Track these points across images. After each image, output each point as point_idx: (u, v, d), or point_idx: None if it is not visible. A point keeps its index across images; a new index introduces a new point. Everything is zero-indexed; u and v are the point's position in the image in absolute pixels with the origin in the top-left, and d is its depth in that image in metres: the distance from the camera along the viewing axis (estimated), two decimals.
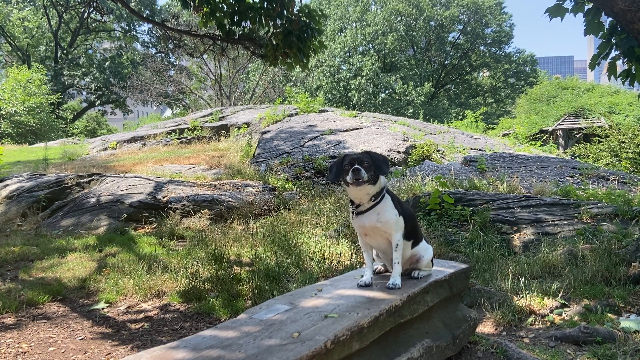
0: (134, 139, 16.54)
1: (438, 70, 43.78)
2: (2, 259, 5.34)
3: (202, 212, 7.26)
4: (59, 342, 3.43)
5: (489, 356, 2.86)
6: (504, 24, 41.97)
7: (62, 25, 38.44)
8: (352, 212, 2.52)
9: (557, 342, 3.32)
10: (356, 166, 2.36)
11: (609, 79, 5.18)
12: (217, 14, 6.39)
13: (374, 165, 2.40)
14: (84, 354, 3.25)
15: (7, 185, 8.58)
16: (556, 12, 4.97)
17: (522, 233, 5.54)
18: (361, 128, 13.67)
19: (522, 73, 42.44)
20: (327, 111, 16.88)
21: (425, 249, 2.72)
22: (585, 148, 17.99)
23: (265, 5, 6.21)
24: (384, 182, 2.50)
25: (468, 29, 41.60)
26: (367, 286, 2.56)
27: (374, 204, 2.44)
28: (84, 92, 41.05)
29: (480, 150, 12.66)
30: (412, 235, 2.60)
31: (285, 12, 6.19)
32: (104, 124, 45.82)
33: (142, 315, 3.94)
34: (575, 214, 5.60)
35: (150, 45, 42.54)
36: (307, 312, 2.15)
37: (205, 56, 27.91)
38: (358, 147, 11.42)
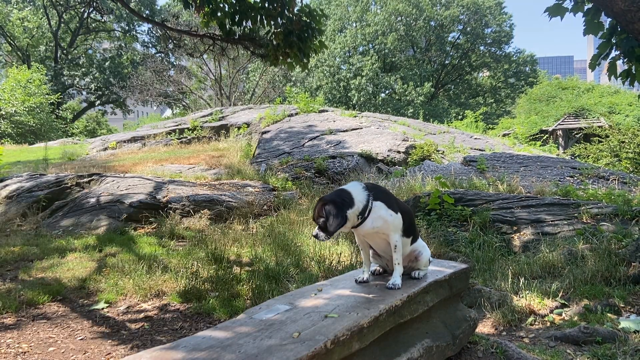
0: (133, 139, 16.53)
1: (438, 70, 43.76)
2: (2, 259, 5.34)
3: (202, 212, 7.26)
4: (59, 342, 3.43)
5: (488, 356, 2.86)
6: (504, 24, 41.95)
7: (62, 25, 38.42)
8: None
9: (557, 342, 3.32)
10: (315, 232, 2.41)
11: (609, 79, 5.18)
12: (219, 14, 6.39)
13: (326, 221, 2.36)
14: (84, 354, 3.25)
15: (7, 185, 8.57)
16: (556, 11, 4.97)
17: (522, 233, 5.54)
18: (361, 128, 13.67)
19: (522, 73, 42.42)
20: (327, 111, 16.88)
21: (423, 246, 2.73)
22: (585, 148, 17.99)
23: (266, 5, 6.22)
24: (362, 200, 2.41)
25: (468, 29, 41.58)
26: (365, 282, 2.58)
27: (362, 220, 2.43)
28: (84, 92, 41.04)
29: (480, 150, 12.66)
30: (410, 231, 2.59)
31: (286, 11, 6.19)
32: (104, 124, 45.80)
33: (142, 315, 3.94)
34: (575, 214, 5.60)
35: (150, 45, 42.55)
36: (307, 312, 2.15)
37: (205, 56, 27.94)
38: (358, 147, 11.42)
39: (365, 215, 2.41)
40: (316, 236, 2.40)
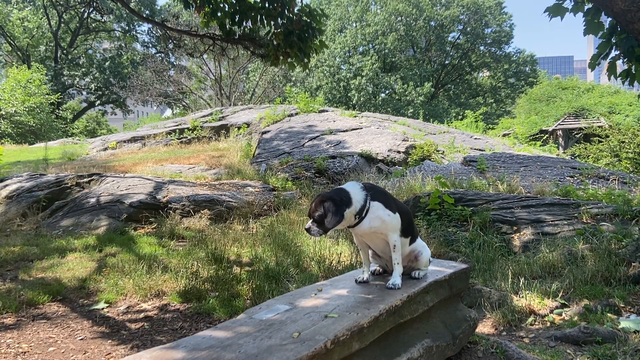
0: (134, 139, 16.54)
1: (438, 70, 43.77)
2: (2, 259, 5.34)
3: (202, 212, 7.26)
4: (59, 342, 3.43)
5: (489, 356, 2.85)
6: (504, 24, 41.96)
7: (62, 25, 38.43)
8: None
9: (557, 342, 3.32)
10: (308, 225, 2.39)
11: (609, 79, 5.18)
12: (219, 14, 6.39)
13: (325, 218, 2.34)
14: (84, 354, 3.25)
15: (7, 185, 8.57)
16: (556, 11, 4.97)
17: (522, 233, 5.54)
18: (361, 128, 13.67)
19: (522, 73, 42.43)
20: (327, 111, 16.88)
21: (422, 246, 2.72)
22: (585, 148, 18.00)
23: (266, 5, 6.22)
24: (360, 200, 2.41)
25: (468, 29, 41.59)
26: (365, 282, 2.58)
27: (360, 220, 2.43)
28: (84, 92, 41.06)
29: (480, 150, 12.66)
30: (409, 231, 2.59)
31: (286, 11, 6.19)
32: (104, 124, 45.82)
33: (142, 315, 3.94)
34: (575, 214, 5.60)
35: (150, 45, 42.56)
36: (307, 312, 2.15)
37: (205, 56, 27.93)
38: (358, 147, 11.42)
39: (362, 215, 2.41)
40: (308, 230, 2.38)
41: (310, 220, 2.39)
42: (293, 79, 38.04)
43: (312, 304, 2.28)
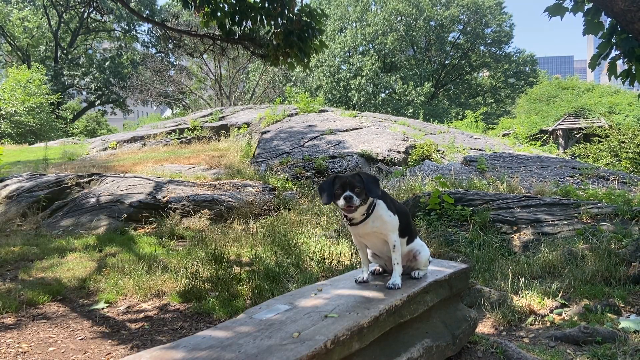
0: (134, 139, 16.54)
1: (438, 70, 43.76)
2: (2, 259, 5.34)
3: (202, 212, 7.26)
4: (59, 342, 3.43)
5: (489, 356, 2.85)
6: (504, 24, 41.97)
7: (62, 25, 38.44)
8: (346, 222, 2.51)
9: (557, 342, 3.31)
10: (348, 193, 2.29)
11: (609, 79, 5.18)
12: (218, 14, 6.39)
13: (366, 188, 2.33)
14: (84, 353, 3.25)
15: (7, 185, 8.57)
16: (556, 11, 4.97)
17: (522, 233, 5.54)
18: (361, 128, 13.67)
19: (522, 73, 42.44)
20: (327, 111, 16.88)
21: (421, 245, 2.72)
22: (585, 148, 18.00)
23: (266, 5, 6.22)
24: None
25: (468, 29, 41.59)
26: (364, 282, 2.59)
27: (367, 216, 2.43)
28: (84, 92, 41.08)
29: (480, 150, 12.66)
30: (406, 231, 2.59)
31: (286, 11, 6.19)
32: (103, 124, 45.83)
33: (141, 315, 3.94)
34: (575, 214, 5.59)
35: (150, 45, 42.57)
36: (307, 312, 2.15)
37: (205, 56, 27.92)
38: (358, 147, 11.42)
39: (369, 212, 2.42)
40: (350, 199, 2.28)
41: (347, 192, 2.29)
42: (293, 79, 38.04)
43: (312, 303, 2.28)
